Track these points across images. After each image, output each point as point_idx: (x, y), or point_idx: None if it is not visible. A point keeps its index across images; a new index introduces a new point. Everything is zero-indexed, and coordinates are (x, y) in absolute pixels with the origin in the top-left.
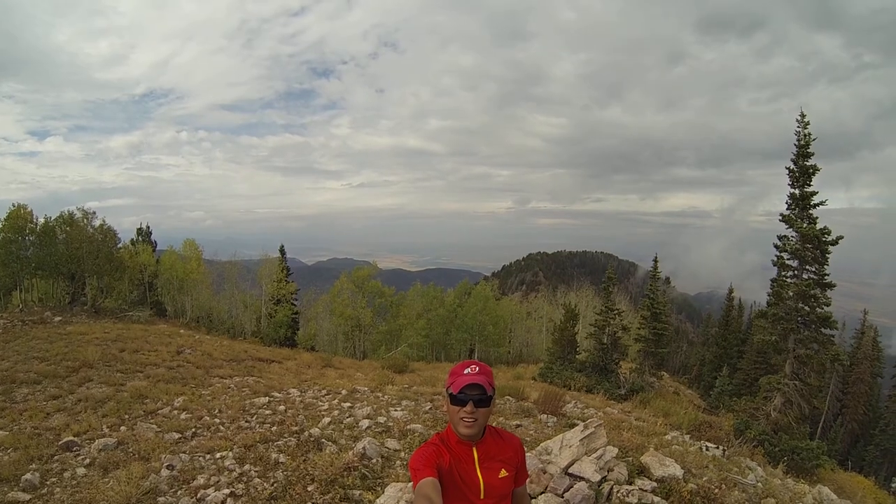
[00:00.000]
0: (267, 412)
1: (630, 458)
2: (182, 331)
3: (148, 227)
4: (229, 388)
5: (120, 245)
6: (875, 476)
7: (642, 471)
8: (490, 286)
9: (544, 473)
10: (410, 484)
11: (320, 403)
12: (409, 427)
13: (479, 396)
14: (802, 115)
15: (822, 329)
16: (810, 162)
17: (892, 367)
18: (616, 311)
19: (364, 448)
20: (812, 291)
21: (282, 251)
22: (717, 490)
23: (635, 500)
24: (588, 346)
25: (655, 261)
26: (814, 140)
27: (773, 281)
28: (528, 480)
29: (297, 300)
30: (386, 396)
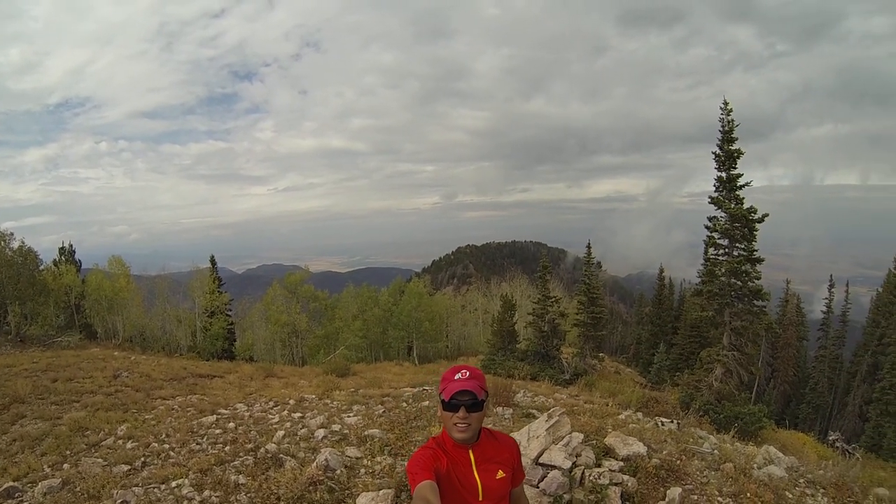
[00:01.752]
0: (217, 431)
1: (594, 442)
2: (116, 353)
3: (71, 246)
4: (173, 409)
5: (42, 267)
6: (809, 431)
7: (608, 452)
8: (423, 282)
9: None
10: (382, 492)
11: (270, 416)
12: (366, 433)
13: (470, 401)
14: (726, 104)
15: (755, 301)
16: (734, 146)
17: (815, 331)
18: (553, 299)
19: (326, 459)
20: (743, 267)
21: (212, 261)
22: (678, 462)
23: (607, 481)
24: (528, 334)
25: (588, 247)
26: (737, 126)
27: (706, 260)
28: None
29: (231, 311)
30: (335, 403)
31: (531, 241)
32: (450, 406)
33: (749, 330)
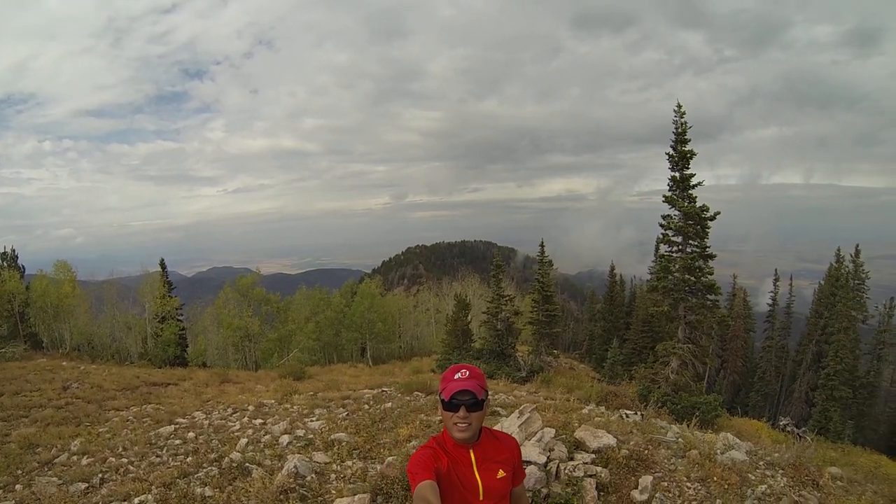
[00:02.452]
0: (176, 442)
1: (565, 436)
2: (64, 363)
3: (13, 251)
4: (128, 420)
5: None
6: (760, 418)
7: (579, 445)
8: (375, 283)
9: None
10: (357, 497)
11: (230, 424)
12: (332, 437)
13: (470, 401)
14: (679, 106)
15: (708, 296)
16: (687, 148)
17: (761, 323)
18: (507, 297)
19: (295, 466)
20: (696, 264)
21: (162, 265)
22: (646, 451)
23: (581, 474)
24: (483, 333)
25: (542, 245)
26: (690, 128)
27: (659, 257)
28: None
29: (182, 315)
30: (295, 407)
31: (481, 241)
32: (450, 406)
33: (703, 323)
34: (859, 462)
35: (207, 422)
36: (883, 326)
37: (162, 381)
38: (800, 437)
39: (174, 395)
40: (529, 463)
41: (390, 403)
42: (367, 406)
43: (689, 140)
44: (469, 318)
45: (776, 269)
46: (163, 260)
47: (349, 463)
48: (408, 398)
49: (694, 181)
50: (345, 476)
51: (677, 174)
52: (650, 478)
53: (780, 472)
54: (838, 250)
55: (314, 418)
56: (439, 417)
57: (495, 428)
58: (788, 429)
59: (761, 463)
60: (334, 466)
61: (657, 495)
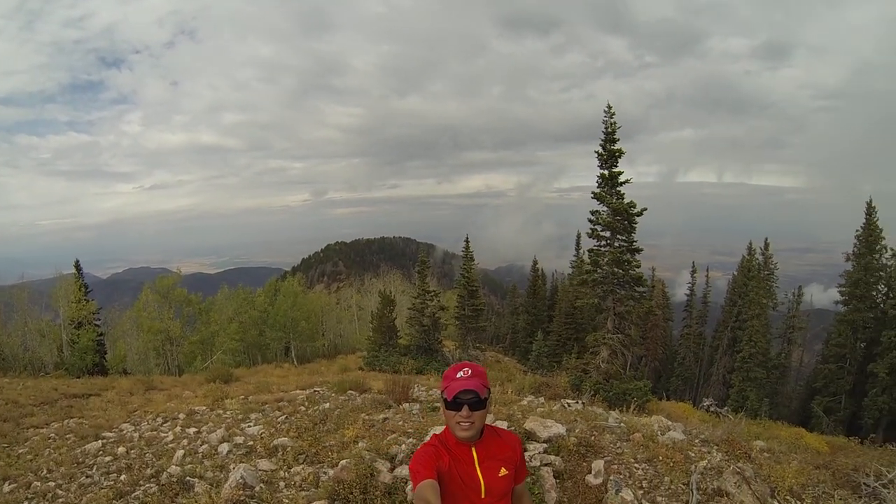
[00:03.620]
0: (106, 459)
1: (514, 428)
2: None
3: None
4: (50, 438)
5: None
6: (681, 401)
7: (530, 436)
8: (297, 280)
9: None
10: None
11: (162, 435)
12: (275, 443)
13: (473, 400)
14: (609, 107)
15: (636, 287)
16: (616, 146)
17: (679, 312)
18: (433, 293)
19: (242, 477)
20: (625, 257)
21: (77, 267)
22: (593, 437)
23: (538, 463)
24: (408, 329)
25: (466, 241)
26: (619, 128)
27: (590, 251)
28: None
29: (99, 320)
30: (229, 413)
31: (400, 237)
32: (453, 405)
33: (632, 314)
34: (781, 435)
35: (137, 434)
36: (792, 312)
37: (82, 393)
38: (721, 416)
39: (97, 407)
40: None
41: (328, 404)
42: (303, 408)
43: (619, 139)
44: (394, 314)
45: (693, 262)
46: (77, 261)
47: (297, 469)
48: (343, 398)
49: (622, 178)
50: (294, 483)
51: (606, 172)
52: (602, 462)
53: (716, 447)
54: (750, 244)
55: (251, 423)
56: (382, 416)
57: (439, 426)
58: (711, 409)
59: (697, 441)
60: (282, 473)
61: (611, 478)
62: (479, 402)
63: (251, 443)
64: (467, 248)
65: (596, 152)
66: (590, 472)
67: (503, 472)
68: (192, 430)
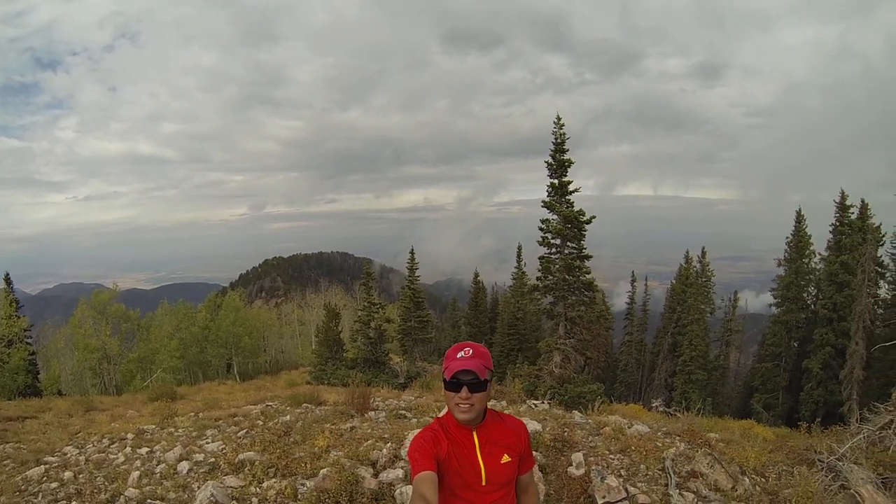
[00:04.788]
0: (52, 485)
1: None
2: None
3: None
4: None
5: None
6: (626, 405)
7: None
8: (239, 295)
9: None
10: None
11: (112, 456)
12: (241, 458)
13: (472, 380)
14: (558, 119)
15: (586, 293)
16: (566, 157)
17: (619, 321)
18: (379, 305)
19: (213, 495)
20: (576, 263)
21: (7, 280)
22: (566, 433)
23: None
24: (355, 342)
25: (412, 253)
26: (568, 139)
27: (541, 258)
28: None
29: (31, 338)
30: (181, 430)
31: (338, 252)
32: (451, 385)
33: (584, 319)
34: (732, 427)
35: (83, 457)
36: (729, 316)
37: (17, 415)
38: (671, 414)
39: (35, 430)
40: None
41: (288, 416)
42: (260, 422)
43: (568, 150)
44: (340, 327)
45: (633, 272)
46: (8, 275)
47: (269, 483)
48: (299, 410)
49: (571, 188)
50: (269, 498)
51: (556, 181)
52: (581, 454)
53: (678, 438)
54: (687, 252)
55: (208, 440)
56: (349, 425)
57: (417, 430)
58: (661, 409)
59: (660, 433)
60: (253, 489)
61: (593, 468)
62: (478, 384)
63: (213, 459)
64: (412, 259)
65: (546, 162)
66: (570, 465)
67: (506, 459)
68: (144, 451)
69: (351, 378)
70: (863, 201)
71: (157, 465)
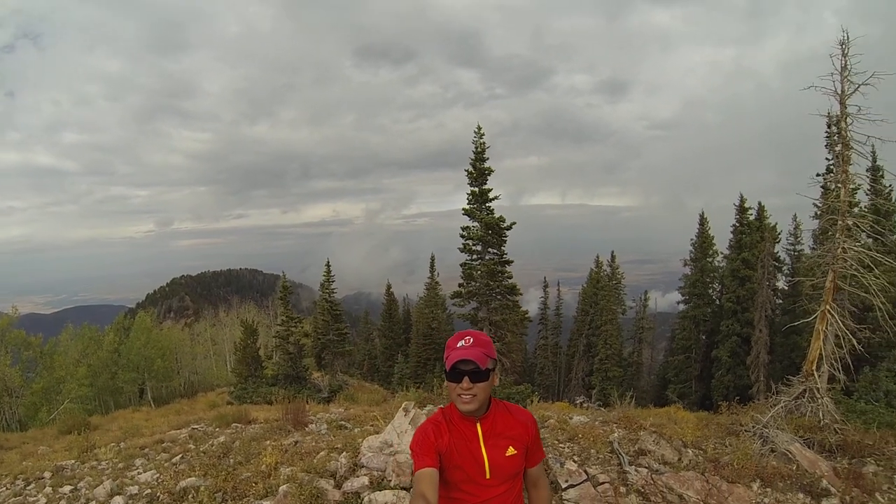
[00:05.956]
0: None
1: None
2: None
3: None
4: None
5: None
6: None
7: None
8: (150, 315)
9: (401, 463)
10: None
11: (31, 499)
12: (182, 485)
13: (473, 370)
14: (479, 128)
15: (509, 297)
16: (486, 165)
17: (532, 326)
18: (297, 319)
19: None
20: (498, 269)
21: None
22: None
23: None
24: (276, 358)
25: (328, 265)
26: (488, 148)
27: (462, 264)
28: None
29: None
30: (105, 463)
31: (246, 269)
32: (452, 375)
33: (507, 322)
34: (658, 413)
35: None
36: (640, 315)
37: None
38: (601, 408)
39: None
40: None
41: (223, 438)
42: (192, 446)
43: (488, 158)
44: (258, 344)
45: (545, 277)
46: None
47: None
48: (230, 431)
49: (491, 195)
50: None
51: (476, 189)
52: None
53: (615, 425)
54: (597, 257)
55: (139, 470)
56: (291, 440)
57: (370, 437)
58: (585, 405)
59: (598, 422)
60: None
61: (549, 456)
62: (479, 373)
63: (149, 490)
64: (328, 272)
65: (466, 171)
66: None
67: (511, 451)
68: (67, 489)
69: (274, 395)
70: (759, 204)
71: None
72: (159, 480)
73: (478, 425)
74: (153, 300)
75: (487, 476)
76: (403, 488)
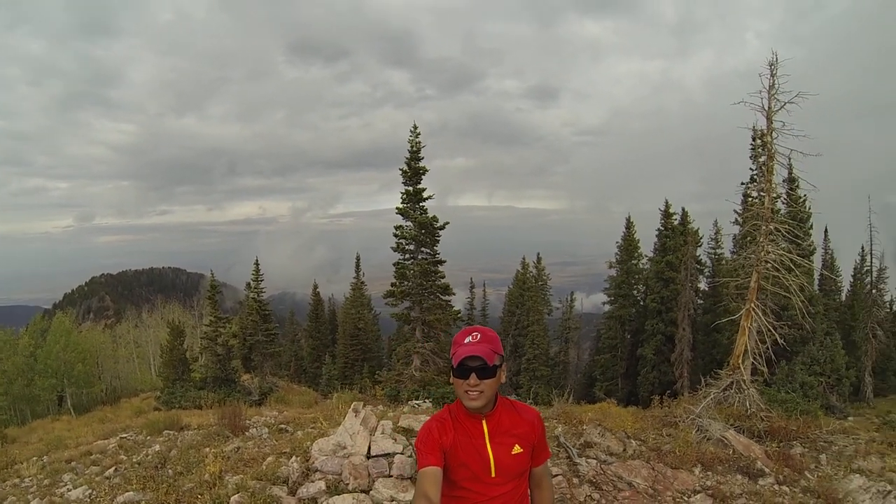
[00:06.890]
0: None
1: (393, 427)
2: None
3: None
4: None
5: None
6: None
7: (410, 432)
8: (69, 317)
9: (357, 465)
10: None
11: None
12: (119, 501)
13: (480, 366)
14: (415, 127)
15: (441, 296)
16: (420, 164)
17: (461, 326)
18: (226, 319)
19: None
20: (431, 268)
21: None
22: None
23: None
24: (204, 360)
25: (256, 264)
26: (423, 147)
27: (395, 264)
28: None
29: None
30: (28, 480)
31: (169, 267)
32: (459, 372)
33: (441, 322)
34: (593, 409)
35: None
36: (567, 315)
37: None
38: (538, 405)
39: None
40: (391, 454)
41: (157, 447)
42: (123, 457)
43: (423, 157)
44: (185, 346)
45: (472, 278)
46: None
47: None
48: (162, 439)
49: (425, 195)
50: None
51: (411, 188)
52: None
53: (556, 420)
54: (524, 259)
55: (68, 486)
56: (232, 446)
57: (320, 439)
58: None
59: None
60: None
61: None
62: (487, 370)
63: None
64: (257, 270)
65: (401, 170)
66: None
67: (517, 449)
68: None
69: (203, 399)
70: (683, 209)
71: None
72: (93, 497)
73: (484, 423)
74: (71, 300)
75: (493, 474)
76: (363, 491)
